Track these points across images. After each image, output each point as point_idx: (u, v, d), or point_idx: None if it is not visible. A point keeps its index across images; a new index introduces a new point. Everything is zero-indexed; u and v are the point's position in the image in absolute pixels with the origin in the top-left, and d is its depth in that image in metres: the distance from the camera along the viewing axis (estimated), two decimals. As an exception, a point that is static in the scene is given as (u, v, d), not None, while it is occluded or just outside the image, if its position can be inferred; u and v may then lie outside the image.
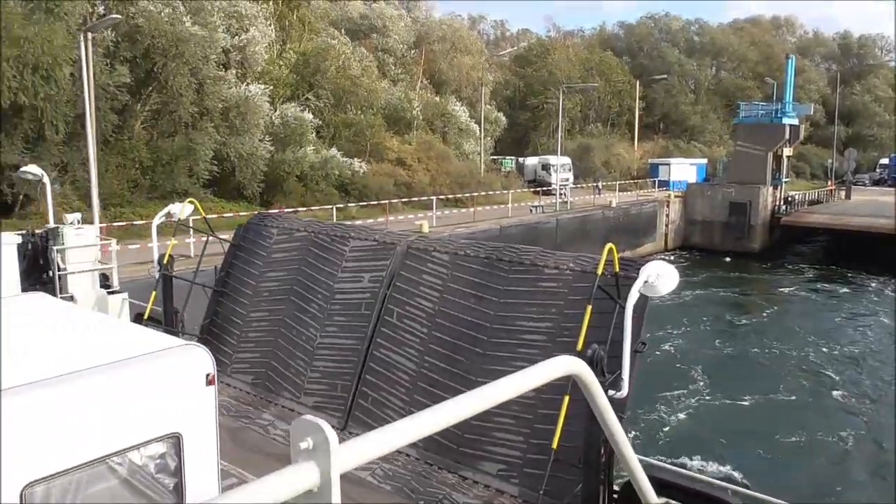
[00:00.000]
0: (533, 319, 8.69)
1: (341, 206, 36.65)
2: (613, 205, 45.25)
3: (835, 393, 23.51)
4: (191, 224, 19.59)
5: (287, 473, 1.43)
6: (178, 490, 4.91)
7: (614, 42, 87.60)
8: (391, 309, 9.80)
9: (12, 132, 30.13)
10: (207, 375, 5.02)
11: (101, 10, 33.92)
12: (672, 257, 44.68)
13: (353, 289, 10.36)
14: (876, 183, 76.19)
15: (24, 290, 12.56)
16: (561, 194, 46.77)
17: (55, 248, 13.97)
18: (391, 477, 8.59)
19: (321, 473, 1.44)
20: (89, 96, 24.16)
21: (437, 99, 55.87)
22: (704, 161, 65.25)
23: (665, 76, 74.51)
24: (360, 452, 1.54)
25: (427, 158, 47.79)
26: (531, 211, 42.29)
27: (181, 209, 11.83)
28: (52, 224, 15.38)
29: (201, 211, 12.05)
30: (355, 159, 42.01)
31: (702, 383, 23.74)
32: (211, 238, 12.07)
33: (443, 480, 8.51)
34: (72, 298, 13.49)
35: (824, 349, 27.78)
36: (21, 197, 30.65)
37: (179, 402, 4.89)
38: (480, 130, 54.11)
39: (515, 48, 69.56)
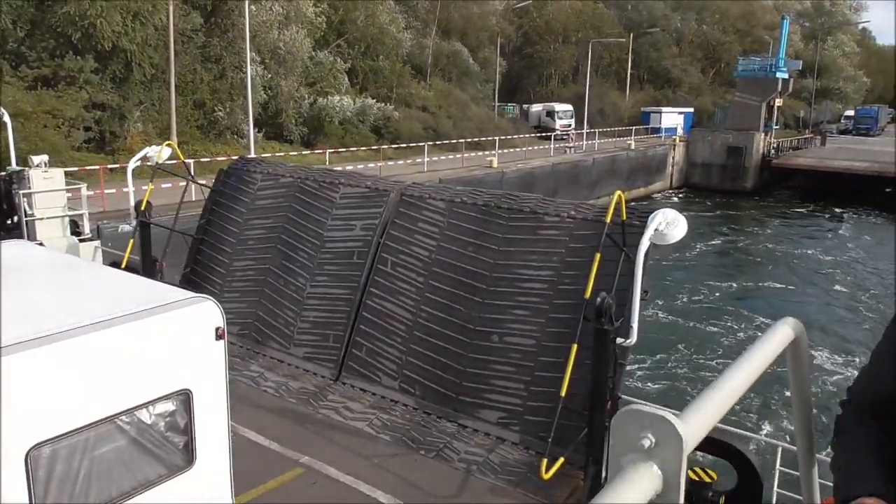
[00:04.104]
0: (533, 268, 8.50)
1: (376, 147, 39.28)
2: (632, 147, 50.51)
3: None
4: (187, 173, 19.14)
5: (632, 480, 1.11)
6: (189, 449, 4.67)
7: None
8: (385, 258, 9.51)
9: (104, 73, 31.62)
10: (217, 329, 4.74)
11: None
12: (681, 194, 51.82)
13: (344, 237, 10.01)
14: (842, 133, 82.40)
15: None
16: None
17: (21, 192, 13.27)
18: (389, 427, 8.45)
19: (667, 476, 1.15)
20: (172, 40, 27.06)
21: (446, 45, 58.10)
22: (691, 110, 69.63)
23: (657, 29, 77.17)
24: (696, 439, 1.22)
25: (447, 105, 52.34)
26: (566, 152, 46.91)
27: (158, 152, 11.19)
28: (14, 166, 14.56)
29: (179, 154, 11.49)
30: (388, 105, 46.14)
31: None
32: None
33: (442, 429, 8.40)
34: (41, 246, 12.89)
35: (796, 251, 36.63)
36: (108, 134, 31.59)
37: (189, 358, 4.61)
38: (495, 80, 56.98)
39: (519, 3, 68.90)
